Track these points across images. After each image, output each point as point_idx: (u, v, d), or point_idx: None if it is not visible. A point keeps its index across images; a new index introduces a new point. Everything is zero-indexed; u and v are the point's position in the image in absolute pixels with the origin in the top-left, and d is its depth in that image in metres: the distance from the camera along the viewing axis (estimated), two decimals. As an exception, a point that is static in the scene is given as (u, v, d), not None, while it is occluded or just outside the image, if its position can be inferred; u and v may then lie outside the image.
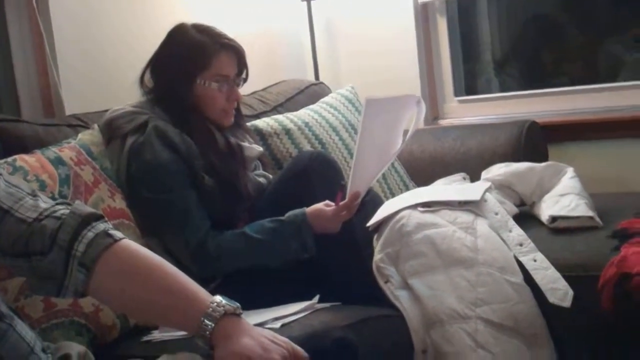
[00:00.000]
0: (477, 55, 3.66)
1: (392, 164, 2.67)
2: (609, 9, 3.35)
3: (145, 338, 1.76)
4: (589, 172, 2.60)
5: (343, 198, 1.97)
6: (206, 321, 1.21)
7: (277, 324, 1.68)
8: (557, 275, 1.92)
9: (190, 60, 2.09)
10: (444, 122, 3.29)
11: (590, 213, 2.14)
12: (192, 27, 2.14)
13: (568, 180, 2.29)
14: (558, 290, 1.89)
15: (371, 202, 2.18)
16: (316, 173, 2.10)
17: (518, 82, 3.53)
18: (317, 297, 1.85)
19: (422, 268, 1.96)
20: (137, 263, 1.27)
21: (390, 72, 3.24)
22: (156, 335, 1.75)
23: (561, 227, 2.14)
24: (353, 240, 2.03)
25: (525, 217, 2.25)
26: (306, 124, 2.57)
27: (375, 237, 2.07)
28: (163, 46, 2.14)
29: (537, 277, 1.92)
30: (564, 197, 2.22)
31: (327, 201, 1.99)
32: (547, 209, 2.21)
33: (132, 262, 1.26)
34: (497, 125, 2.83)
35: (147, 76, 2.15)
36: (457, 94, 3.34)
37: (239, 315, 1.24)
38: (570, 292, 1.88)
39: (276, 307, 1.84)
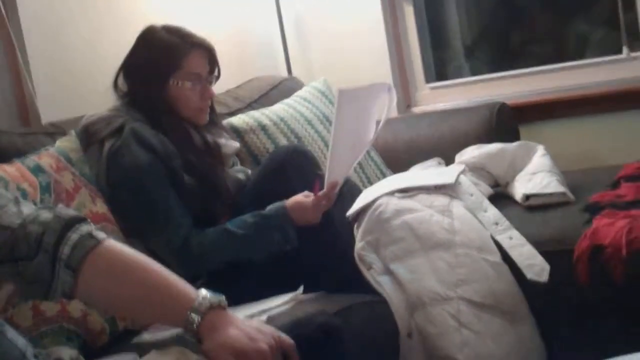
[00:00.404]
0: (447, 42, 3.70)
1: (369, 153, 2.71)
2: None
3: (135, 340, 1.77)
4: (561, 149, 2.65)
5: (321, 188, 2.00)
6: (192, 315, 1.24)
7: (264, 317, 1.71)
8: (534, 251, 1.96)
9: (162, 62, 2.11)
10: (417, 110, 3.33)
11: (562, 189, 2.19)
12: (161, 29, 2.16)
13: (539, 158, 2.34)
14: (535, 266, 1.93)
15: (350, 192, 2.21)
16: (293, 166, 2.13)
17: (488, 66, 3.55)
18: (301, 288, 1.88)
19: (402, 253, 2.00)
20: (122, 262, 1.29)
21: (361, 63, 3.28)
22: (146, 336, 1.77)
23: (535, 205, 2.19)
24: (334, 230, 2.06)
25: (500, 197, 2.30)
26: (281, 119, 2.60)
27: (355, 226, 2.11)
28: (134, 49, 2.16)
29: (514, 254, 1.96)
30: (535, 175, 2.26)
31: (305, 192, 2.02)
32: (520, 187, 2.25)
33: (117, 262, 1.29)
34: (468, 109, 2.88)
35: (121, 80, 2.17)
36: (428, 81, 3.38)
37: (224, 307, 1.27)
38: (547, 267, 1.93)
39: (262, 301, 1.87)
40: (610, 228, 1.90)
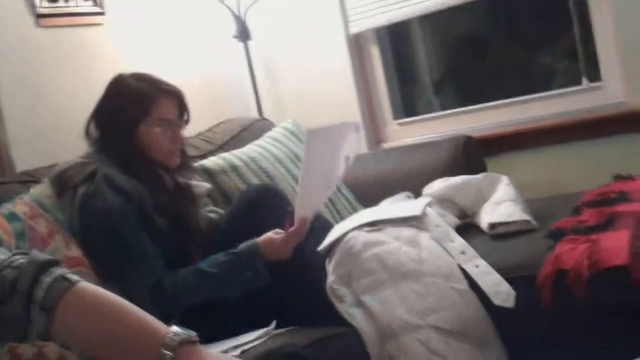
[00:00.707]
0: (415, 78, 3.78)
1: (339, 189, 2.77)
2: (537, 23, 3.48)
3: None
4: (526, 178, 2.74)
5: (291, 224, 2.04)
6: (164, 351, 1.27)
7: (237, 351, 1.75)
8: (499, 278, 2.01)
9: (131, 109, 2.16)
10: (386, 145, 3.40)
11: (526, 217, 2.26)
12: (130, 77, 2.21)
13: (504, 188, 2.41)
14: (501, 292, 1.98)
15: (321, 227, 2.27)
16: (264, 204, 2.19)
17: (456, 100, 3.64)
18: (274, 323, 1.91)
19: (372, 284, 2.05)
20: (95, 302, 1.33)
21: (330, 102, 3.36)
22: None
23: (500, 233, 2.25)
24: (306, 264, 2.11)
25: (467, 227, 2.35)
26: (252, 159, 2.65)
27: (327, 260, 2.16)
28: (104, 97, 2.21)
29: (481, 281, 2.01)
30: (500, 204, 2.33)
31: (276, 230, 2.07)
32: (486, 217, 2.32)
33: (91, 302, 1.32)
34: (434, 144, 2.95)
35: (92, 127, 2.21)
36: (396, 117, 3.46)
37: (195, 342, 1.30)
38: (513, 293, 1.97)
39: (235, 337, 1.90)
40: (572, 253, 1.95)
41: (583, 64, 3.01)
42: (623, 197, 2.24)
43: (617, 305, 1.89)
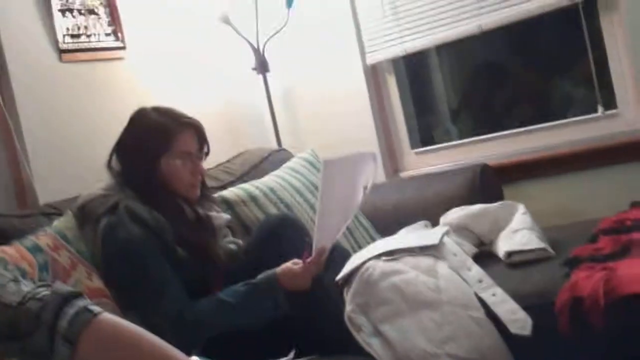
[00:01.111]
0: (432, 107, 3.81)
1: (357, 218, 2.79)
2: (554, 50, 3.51)
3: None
4: (543, 206, 2.75)
5: (310, 255, 2.07)
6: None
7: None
8: (516, 306, 2.02)
9: (153, 142, 2.20)
10: (404, 175, 3.43)
11: (542, 244, 2.27)
12: (151, 110, 2.25)
13: (520, 216, 2.42)
14: (518, 320, 1.99)
15: (340, 257, 2.29)
16: (283, 234, 2.22)
17: (474, 129, 3.66)
18: (292, 353, 1.93)
19: (390, 314, 2.06)
20: (118, 334, 1.36)
21: (348, 132, 3.39)
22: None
23: (517, 261, 2.26)
24: (324, 294, 2.13)
25: (484, 256, 2.36)
26: (271, 189, 2.68)
27: (345, 289, 2.17)
28: (126, 131, 2.25)
29: (498, 310, 2.02)
30: (517, 232, 2.34)
31: (295, 260, 2.09)
32: (503, 245, 2.33)
33: (114, 333, 1.36)
34: (452, 172, 2.97)
35: (114, 160, 2.26)
36: (413, 146, 3.49)
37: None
38: (530, 321, 1.98)
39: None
40: (588, 280, 1.96)
41: (598, 92, 3.03)
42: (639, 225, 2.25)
43: (635, 332, 1.89)
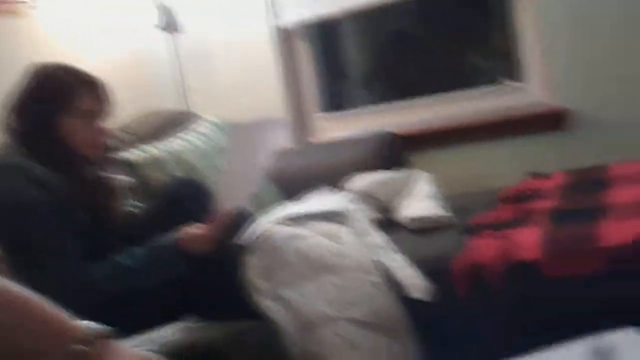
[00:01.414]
0: (343, 74, 3.81)
1: (264, 183, 2.78)
2: (465, 22, 3.55)
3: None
4: (450, 175, 2.79)
5: (214, 219, 2.05)
6: (77, 346, 1.26)
7: (154, 346, 1.75)
8: (416, 271, 2.05)
9: (52, 100, 2.11)
10: (312, 140, 3.42)
11: (444, 212, 2.30)
12: (52, 67, 2.17)
13: (424, 184, 2.45)
14: (418, 285, 2.02)
15: (244, 221, 2.27)
16: (187, 198, 2.18)
17: (384, 97, 3.68)
18: (193, 317, 1.92)
19: (292, 278, 2.06)
20: (3, 293, 1.31)
21: (257, 96, 3.36)
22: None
23: (419, 228, 2.29)
24: (225, 258, 2.11)
25: (388, 222, 2.39)
26: (176, 152, 2.64)
27: (247, 254, 2.16)
28: (24, 87, 2.17)
29: (398, 275, 2.05)
30: (419, 200, 2.37)
31: (198, 224, 2.07)
32: (406, 212, 2.36)
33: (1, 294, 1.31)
34: (359, 139, 2.99)
35: (12, 118, 2.17)
36: (323, 111, 3.48)
37: (110, 337, 1.29)
38: (429, 286, 2.02)
39: (153, 331, 1.89)
40: (487, 247, 2.00)
41: (505, 64, 3.08)
42: (538, 195, 2.31)
43: (533, 298, 1.94)
